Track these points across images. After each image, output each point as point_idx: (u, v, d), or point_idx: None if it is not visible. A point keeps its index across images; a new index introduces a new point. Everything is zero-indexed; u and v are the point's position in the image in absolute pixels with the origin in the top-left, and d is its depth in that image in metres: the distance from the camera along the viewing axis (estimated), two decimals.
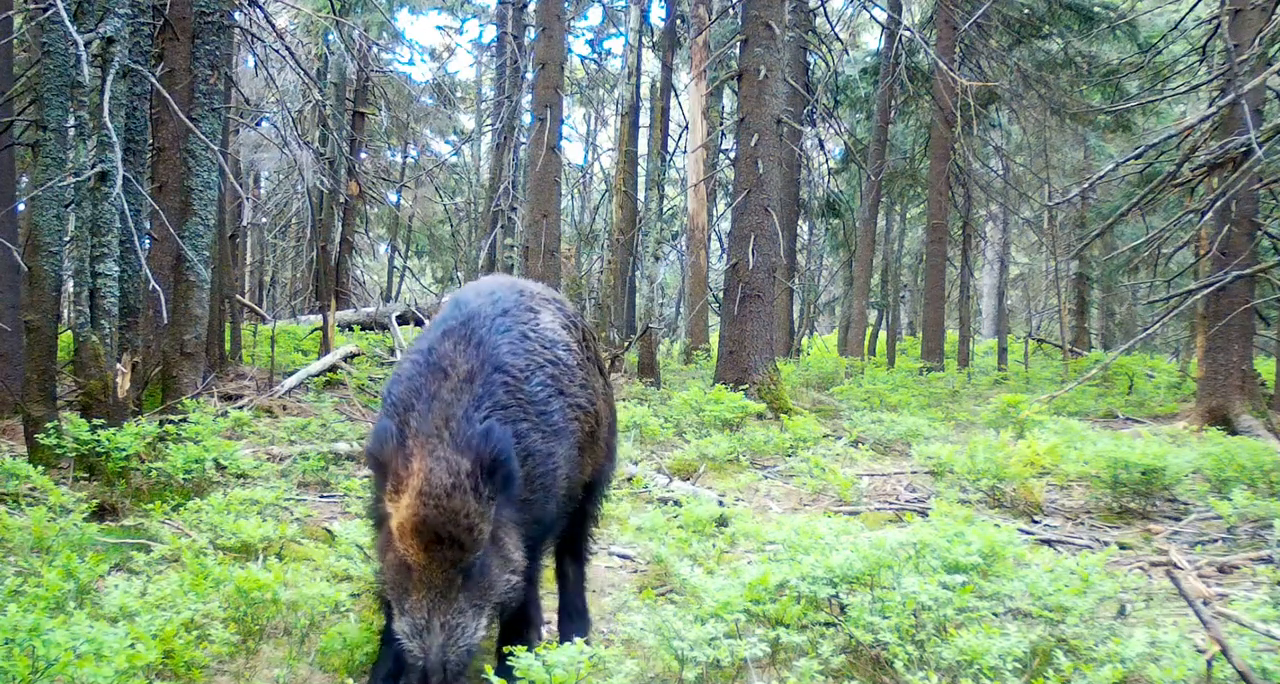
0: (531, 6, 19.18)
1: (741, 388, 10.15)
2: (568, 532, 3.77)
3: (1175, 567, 5.00)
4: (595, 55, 25.30)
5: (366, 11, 18.04)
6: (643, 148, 18.17)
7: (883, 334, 21.52)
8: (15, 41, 8.91)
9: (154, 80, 7.04)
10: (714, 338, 16.12)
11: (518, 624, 3.14)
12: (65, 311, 9.86)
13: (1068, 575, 3.63)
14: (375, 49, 21.90)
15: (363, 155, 22.63)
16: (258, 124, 19.43)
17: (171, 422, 6.33)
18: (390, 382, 3.28)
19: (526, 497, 3.06)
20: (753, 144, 11.12)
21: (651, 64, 21.60)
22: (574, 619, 3.83)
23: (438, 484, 2.71)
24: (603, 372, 3.94)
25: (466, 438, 2.83)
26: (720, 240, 20.18)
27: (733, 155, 14.46)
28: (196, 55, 7.83)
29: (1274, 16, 9.59)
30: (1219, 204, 9.59)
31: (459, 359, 3.11)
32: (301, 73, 12.29)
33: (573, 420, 3.37)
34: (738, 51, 11.96)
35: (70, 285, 7.72)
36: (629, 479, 6.97)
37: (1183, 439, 8.67)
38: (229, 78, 9.35)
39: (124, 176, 5.92)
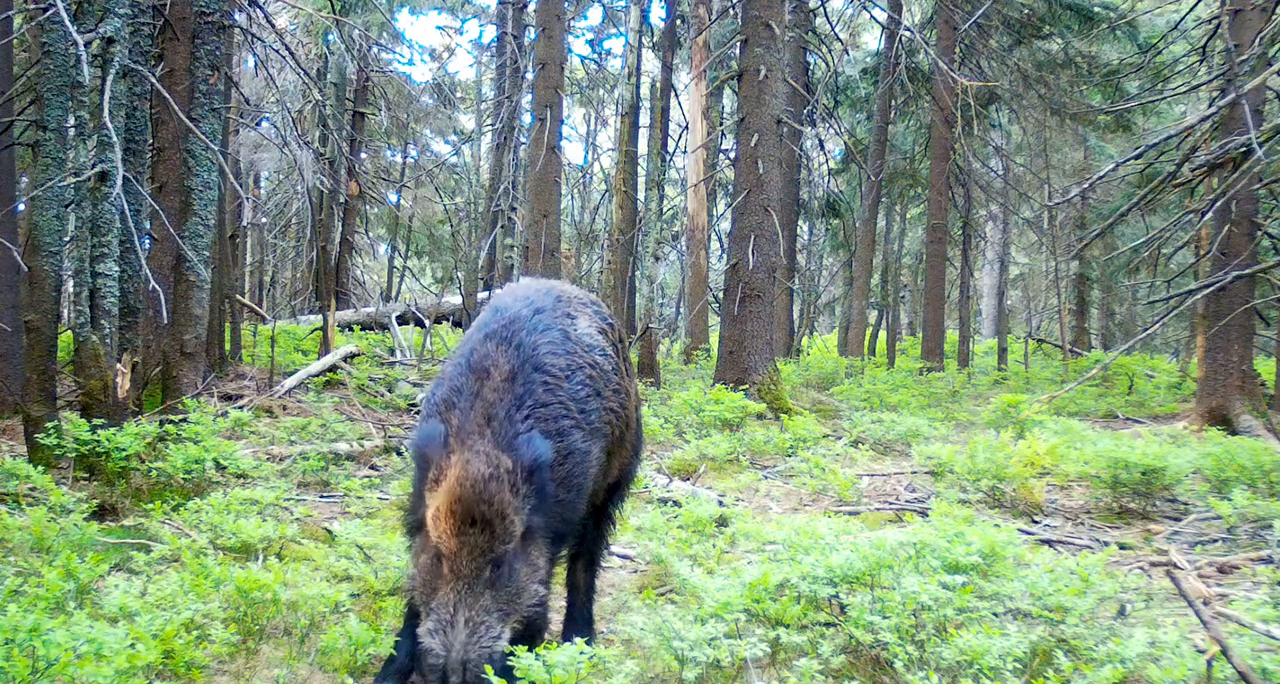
0: (531, 6, 19.18)
1: (741, 388, 10.15)
2: (586, 535, 3.77)
3: (1175, 567, 5.00)
4: (595, 55, 25.31)
5: (366, 11, 18.04)
6: (643, 148, 18.17)
7: (883, 334, 21.53)
8: (15, 41, 8.91)
9: (154, 80, 7.04)
10: (714, 338, 16.12)
11: (529, 629, 3.14)
12: (65, 311, 9.86)
13: (1068, 575, 3.63)
14: (375, 49, 21.90)
15: (363, 155, 22.64)
16: (258, 124, 19.43)
17: (171, 422, 6.33)
18: (433, 385, 3.35)
19: (561, 497, 3.08)
20: (753, 144, 11.12)
21: (651, 64, 21.60)
22: (580, 628, 3.82)
23: (476, 472, 2.79)
24: (631, 372, 3.96)
25: (508, 438, 2.91)
26: (720, 240, 20.19)
27: (733, 155, 14.47)
28: (196, 55, 7.83)
29: (1274, 16, 9.59)
30: (1219, 204, 9.59)
31: (500, 359, 3.16)
32: (301, 73, 12.30)
33: (606, 422, 3.42)
34: (738, 51, 11.96)
35: (70, 285, 7.73)
36: None
37: (1183, 439, 8.67)
38: (229, 78, 9.35)
39: (124, 176, 5.92)
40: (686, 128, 19.29)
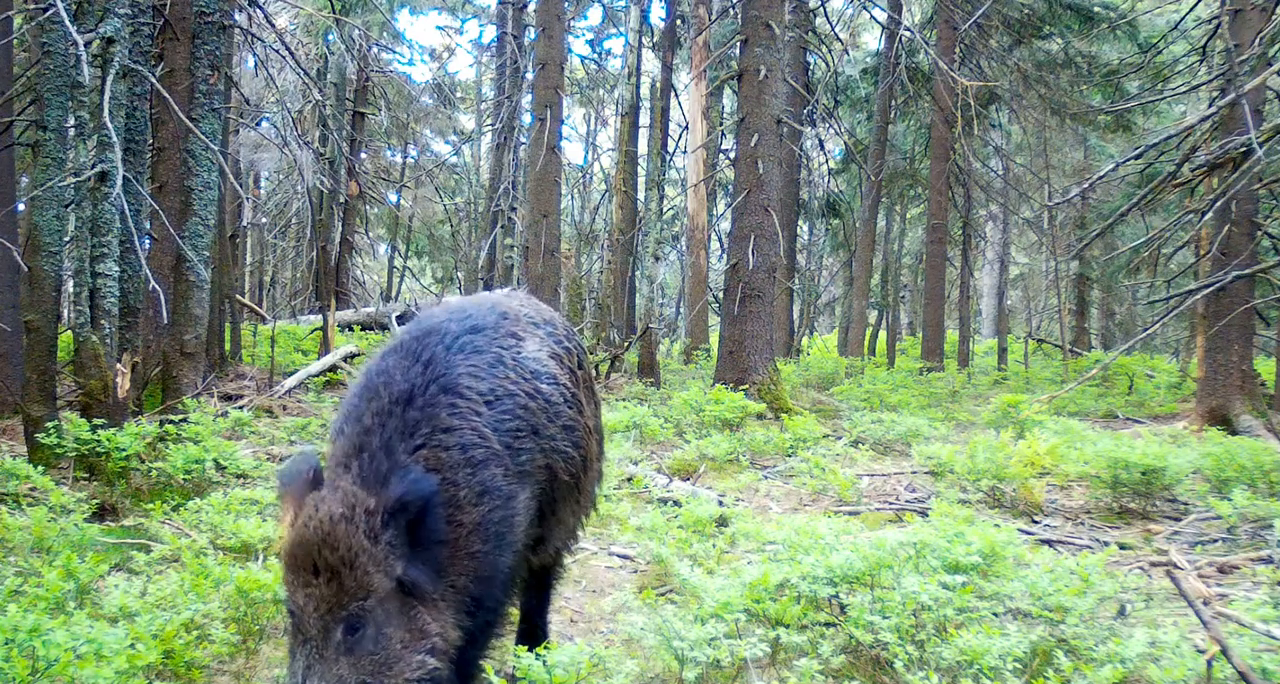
0: (531, 6, 19.19)
1: (741, 388, 10.14)
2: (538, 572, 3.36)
3: (1175, 567, 5.00)
4: (595, 55, 25.33)
5: (366, 11, 18.05)
6: (643, 148, 18.17)
7: (883, 334, 21.53)
8: (15, 41, 8.91)
9: (154, 80, 7.05)
10: (714, 338, 16.13)
11: None
12: (65, 311, 9.86)
13: (1068, 575, 3.63)
14: (375, 49, 21.91)
15: (363, 155, 22.64)
16: (258, 124, 19.45)
17: (171, 422, 6.34)
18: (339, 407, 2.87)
19: (474, 547, 2.58)
20: (753, 144, 11.12)
21: (651, 64, 21.60)
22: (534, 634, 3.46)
23: (324, 512, 2.31)
24: (593, 392, 3.46)
25: (379, 472, 2.41)
26: (720, 240, 20.21)
27: (733, 155, 14.47)
28: (196, 55, 7.83)
29: (1274, 16, 9.59)
30: (1219, 204, 9.59)
31: (397, 377, 2.64)
32: (301, 73, 12.30)
33: (541, 467, 2.87)
34: (738, 51, 11.97)
35: (70, 285, 7.73)
36: (629, 479, 6.97)
37: (1183, 439, 8.67)
38: (229, 78, 9.36)
39: (124, 176, 5.92)
40: (686, 128, 19.30)
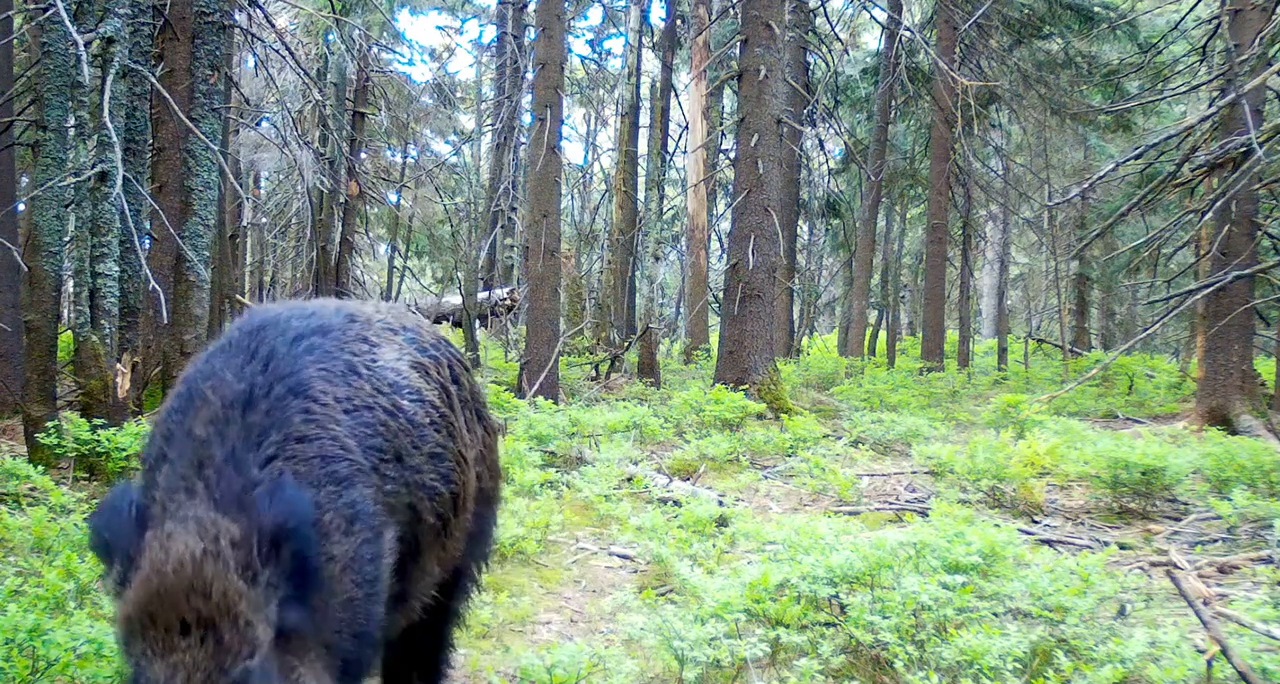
0: (531, 6, 19.21)
1: (741, 388, 10.14)
2: (416, 639, 2.76)
3: (1175, 567, 5.01)
4: (595, 55, 25.34)
5: (366, 11, 18.05)
6: (643, 148, 18.18)
7: (883, 334, 21.53)
8: (15, 41, 8.91)
9: (154, 80, 7.05)
10: (714, 338, 16.13)
11: None
12: (65, 311, 9.86)
13: (1068, 575, 3.63)
14: (375, 49, 21.90)
15: (363, 155, 22.63)
16: (258, 124, 19.46)
17: None
18: (150, 432, 2.24)
19: (348, 592, 2.06)
20: (753, 144, 11.12)
21: (651, 64, 21.61)
22: None
23: (180, 550, 1.74)
24: (481, 416, 2.86)
25: (233, 491, 1.88)
26: (720, 240, 20.21)
27: (733, 155, 14.48)
28: (196, 55, 7.84)
29: (1274, 16, 9.58)
30: (1219, 204, 9.59)
31: (228, 376, 2.10)
32: (301, 73, 12.29)
33: (406, 506, 2.31)
34: (738, 51, 11.97)
35: (70, 285, 7.74)
36: (629, 479, 6.97)
37: (1183, 439, 8.67)
38: (229, 78, 9.36)
39: (124, 176, 5.93)
40: (686, 128, 19.30)
